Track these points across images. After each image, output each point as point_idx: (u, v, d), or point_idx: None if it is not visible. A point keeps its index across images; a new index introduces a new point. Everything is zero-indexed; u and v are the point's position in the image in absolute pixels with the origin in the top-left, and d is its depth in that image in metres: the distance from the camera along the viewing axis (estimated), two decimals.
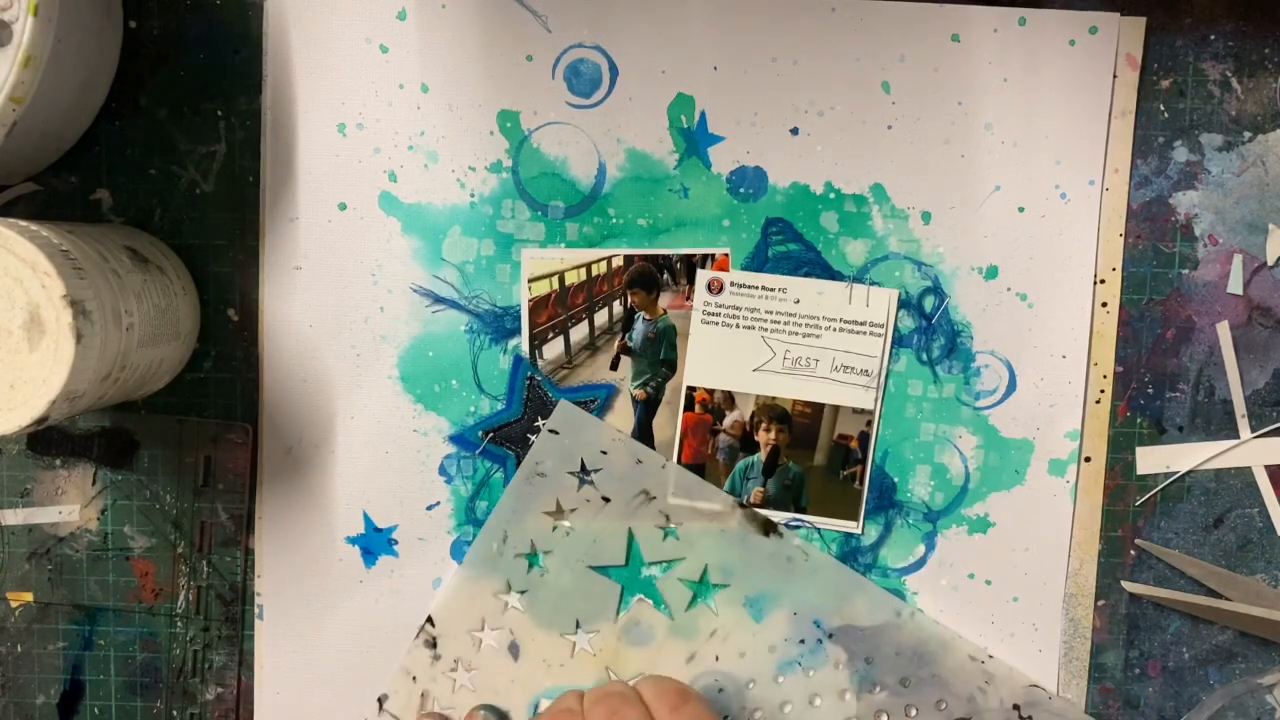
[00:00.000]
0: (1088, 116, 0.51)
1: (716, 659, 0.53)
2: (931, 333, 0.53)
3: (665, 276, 0.52)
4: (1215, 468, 0.53)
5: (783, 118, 0.52)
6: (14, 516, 0.53)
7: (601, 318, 0.53)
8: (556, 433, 0.52)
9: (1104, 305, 0.52)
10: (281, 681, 0.54)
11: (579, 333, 0.53)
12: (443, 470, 0.53)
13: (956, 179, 0.52)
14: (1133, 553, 0.54)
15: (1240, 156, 0.52)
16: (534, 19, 0.51)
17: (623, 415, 0.53)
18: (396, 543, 0.53)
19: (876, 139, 0.52)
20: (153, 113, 0.51)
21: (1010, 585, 0.54)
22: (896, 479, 0.53)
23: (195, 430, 0.53)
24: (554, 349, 0.53)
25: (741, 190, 0.52)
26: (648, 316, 0.53)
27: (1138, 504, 0.54)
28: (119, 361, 0.44)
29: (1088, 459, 0.53)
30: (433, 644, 0.53)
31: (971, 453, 0.53)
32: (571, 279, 0.52)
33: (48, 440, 0.53)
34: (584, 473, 0.52)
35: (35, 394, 0.41)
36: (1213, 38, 0.51)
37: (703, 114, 0.52)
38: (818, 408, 0.53)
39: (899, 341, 0.52)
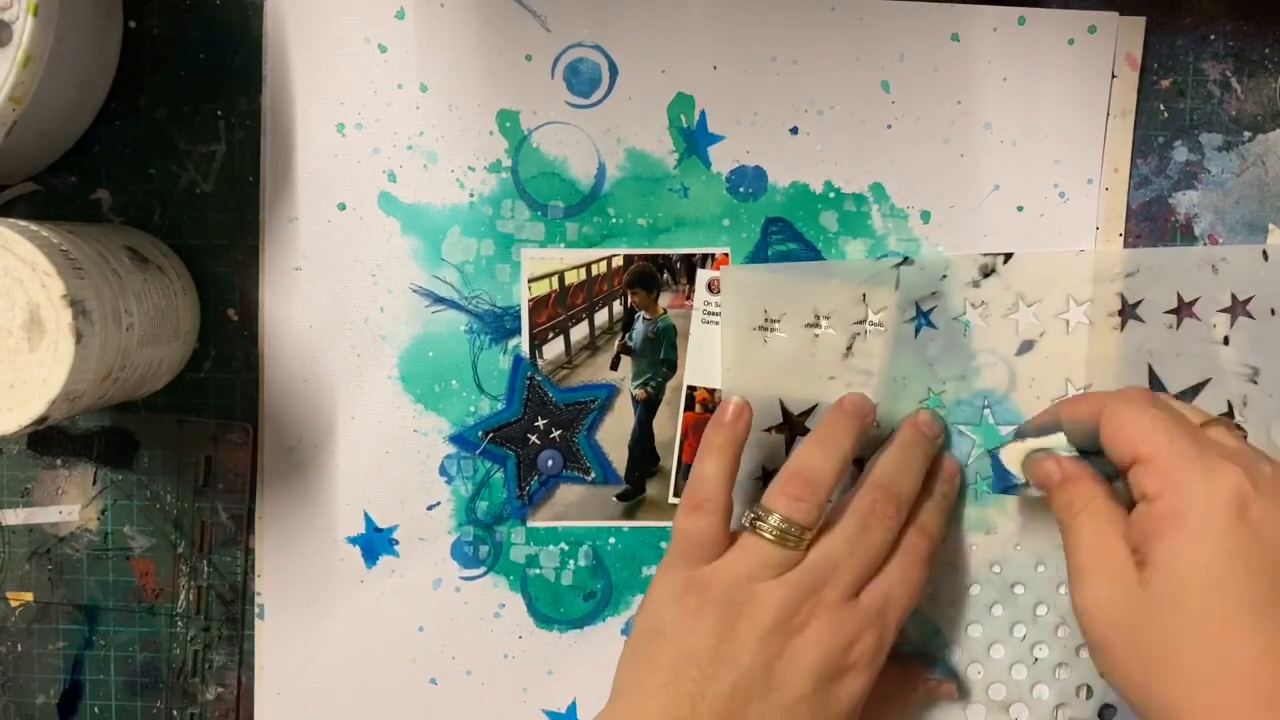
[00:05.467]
0: (1087, 116, 0.51)
1: None
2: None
3: (665, 276, 0.52)
4: None
5: (782, 117, 0.52)
6: (14, 516, 0.53)
7: (601, 318, 0.53)
8: None
9: None
10: (281, 681, 0.54)
11: (579, 333, 0.53)
12: (443, 470, 0.53)
13: (956, 178, 0.52)
14: None
15: (1240, 156, 0.52)
16: (533, 18, 0.51)
17: (623, 415, 0.53)
18: (397, 543, 0.53)
19: (876, 138, 0.52)
20: (153, 113, 0.51)
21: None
22: None
23: (195, 430, 0.53)
24: (554, 349, 0.53)
25: (741, 190, 0.52)
26: (648, 316, 0.53)
27: None
28: (119, 361, 0.44)
29: None
30: None
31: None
32: (571, 279, 0.52)
33: (48, 440, 0.53)
34: None
35: (35, 394, 0.41)
36: (1213, 37, 0.51)
37: (702, 113, 0.52)
38: None
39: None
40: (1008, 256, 0.51)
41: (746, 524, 0.47)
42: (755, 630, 0.45)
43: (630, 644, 0.47)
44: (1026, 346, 0.51)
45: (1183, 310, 0.51)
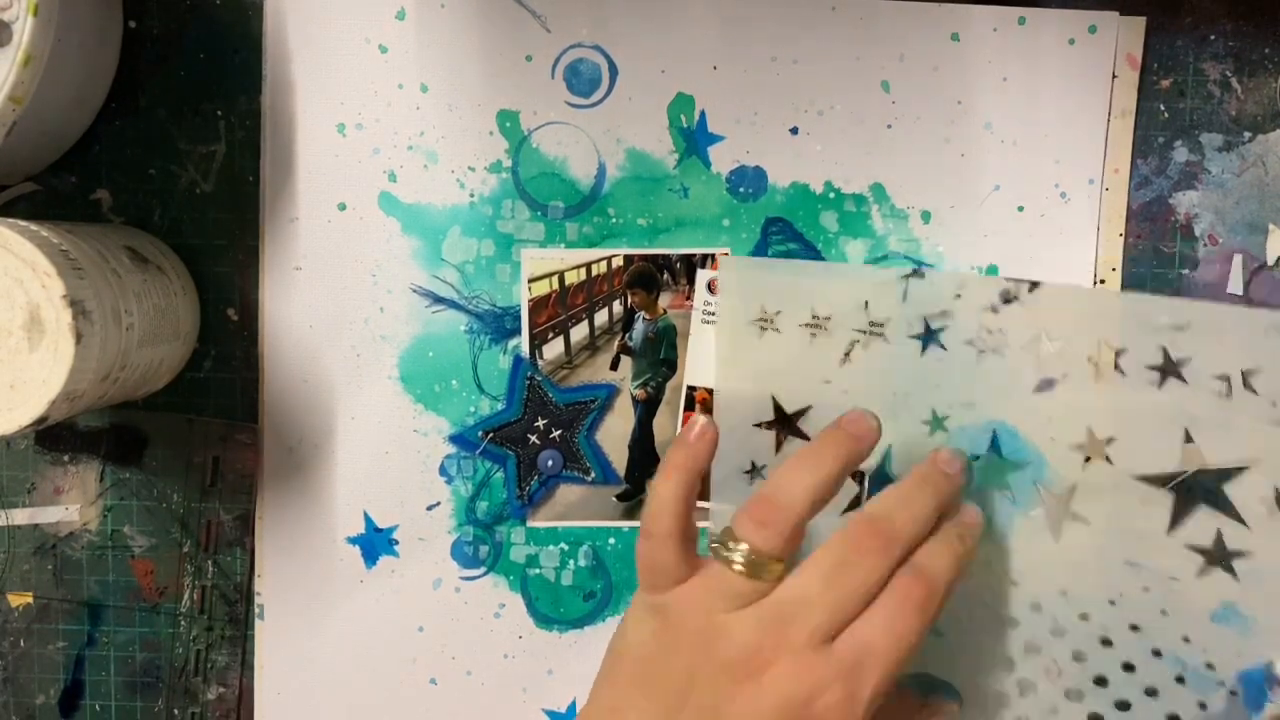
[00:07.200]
0: (1087, 116, 0.51)
1: None
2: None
3: (665, 276, 0.52)
4: None
5: (782, 117, 0.51)
6: (20, 515, 0.53)
7: (601, 318, 0.53)
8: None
9: None
10: (281, 681, 0.54)
11: (579, 333, 0.53)
12: (443, 470, 0.53)
13: (956, 178, 0.52)
14: None
15: (1240, 156, 0.51)
16: (533, 19, 0.51)
17: (623, 415, 0.53)
18: (397, 543, 0.53)
19: (876, 138, 0.52)
20: (153, 113, 0.51)
21: None
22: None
23: (204, 430, 0.53)
24: (554, 349, 0.53)
25: (741, 190, 0.52)
26: (648, 316, 0.53)
27: None
28: (119, 361, 0.44)
29: None
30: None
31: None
32: (571, 279, 0.52)
33: (56, 437, 0.53)
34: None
35: (35, 394, 0.41)
36: (1213, 38, 0.51)
37: (702, 113, 0.51)
38: None
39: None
40: (1034, 285, 0.49)
41: (712, 548, 0.43)
42: (710, 665, 0.41)
43: (602, 661, 0.45)
44: (1046, 385, 0.48)
45: (1238, 380, 0.46)
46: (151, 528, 0.53)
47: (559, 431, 0.53)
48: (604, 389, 0.53)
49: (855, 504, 0.51)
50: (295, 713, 0.54)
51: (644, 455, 0.53)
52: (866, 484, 0.51)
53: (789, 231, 0.52)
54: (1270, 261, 0.52)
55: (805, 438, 0.51)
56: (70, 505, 0.53)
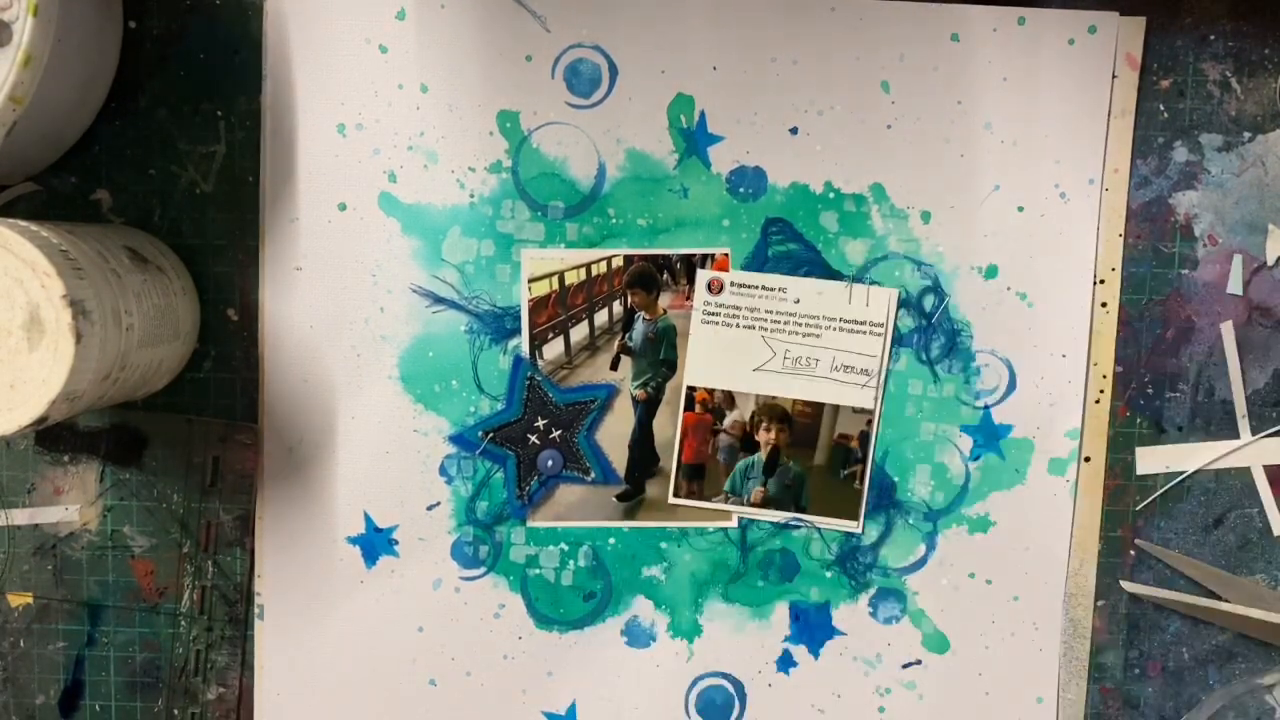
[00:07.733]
0: (1087, 116, 0.51)
1: None
2: (931, 332, 0.53)
3: (665, 276, 0.52)
4: (1215, 468, 0.53)
5: (782, 117, 0.52)
6: (20, 515, 0.53)
7: (601, 318, 0.53)
8: None
9: (1103, 305, 0.52)
10: (281, 681, 0.54)
11: (579, 333, 0.53)
12: (443, 470, 0.53)
13: (956, 178, 0.52)
14: (1132, 553, 0.54)
15: (1240, 156, 0.52)
16: (533, 18, 0.51)
17: (623, 415, 0.53)
18: (397, 543, 0.53)
19: (876, 139, 0.52)
20: (153, 113, 0.51)
21: (1010, 584, 0.54)
22: (896, 478, 0.53)
23: (204, 430, 0.53)
24: (554, 349, 0.53)
25: (741, 190, 0.52)
26: (648, 316, 0.53)
27: (1138, 505, 0.54)
28: (119, 361, 0.44)
29: (1087, 459, 0.53)
30: None
31: (971, 452, 0.53)
32: (571, 279, 0.52)
33: (56, 437, 0.53)
34: None
35: (35, 394, 0.41)
36: (1213, 38, 0.51)
37: (702, 114, 0.52)
38: (818, 407, 0.53)
39: (899, 341, 0.52)
40: None
41: None
42: None
43: None
44: None
45: None
46: (151, 528, 0.53)
47: (559, 431, 0.53)
48: (604, 389, 0.53)
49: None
50: (295, 713, 0.54)
51: (644, 455, 0.53)
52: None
53: (789, 231, 0.52)
54: (1270, 261, 0.52)
55: None
56: (70, 505, 0.53)
